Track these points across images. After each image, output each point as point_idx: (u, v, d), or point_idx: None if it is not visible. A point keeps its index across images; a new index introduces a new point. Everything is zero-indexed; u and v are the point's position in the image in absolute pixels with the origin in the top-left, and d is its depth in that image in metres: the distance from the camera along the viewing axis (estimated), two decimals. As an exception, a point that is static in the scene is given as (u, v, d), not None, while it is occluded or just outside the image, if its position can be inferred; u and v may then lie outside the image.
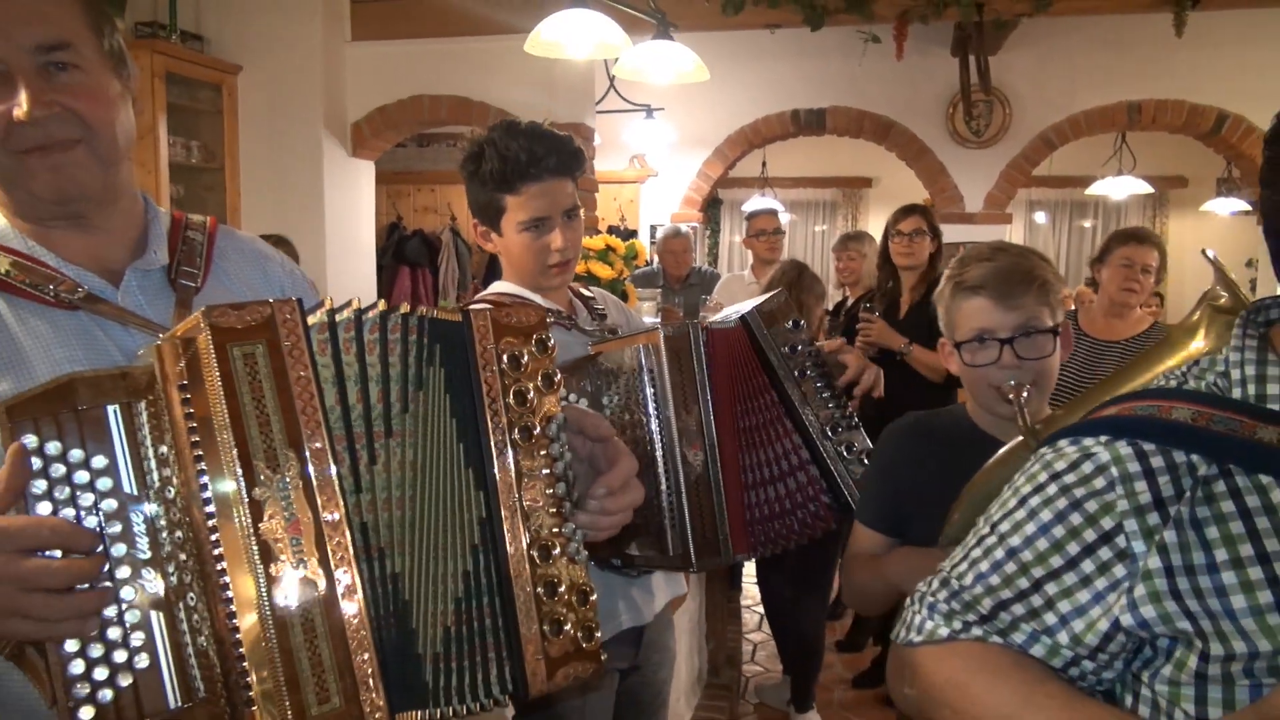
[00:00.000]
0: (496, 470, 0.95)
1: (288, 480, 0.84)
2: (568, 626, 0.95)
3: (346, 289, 4.79)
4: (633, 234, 7.00)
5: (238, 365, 0.83)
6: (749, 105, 6.39)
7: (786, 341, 1.64)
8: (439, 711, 0.92)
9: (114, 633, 0.85)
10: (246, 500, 0.82)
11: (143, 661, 0.86)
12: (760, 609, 4.02)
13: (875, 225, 6.78)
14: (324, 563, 0.84)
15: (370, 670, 0.85)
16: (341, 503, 0.86)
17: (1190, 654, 0.76)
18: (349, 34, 4.79)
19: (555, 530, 0.96)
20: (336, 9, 4.72)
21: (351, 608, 0.85)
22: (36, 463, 0.84)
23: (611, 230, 6.96)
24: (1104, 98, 5.97)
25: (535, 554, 0.95)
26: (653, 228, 6.48)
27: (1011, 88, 6.02)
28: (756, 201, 7.86)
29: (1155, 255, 3.12)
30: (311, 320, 0.88)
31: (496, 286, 1.77)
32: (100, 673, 0.84)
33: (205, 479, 0.82)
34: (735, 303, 3.89)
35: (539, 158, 1.61)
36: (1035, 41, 5.87)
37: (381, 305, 0.92)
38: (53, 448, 0.85)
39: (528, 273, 1.71)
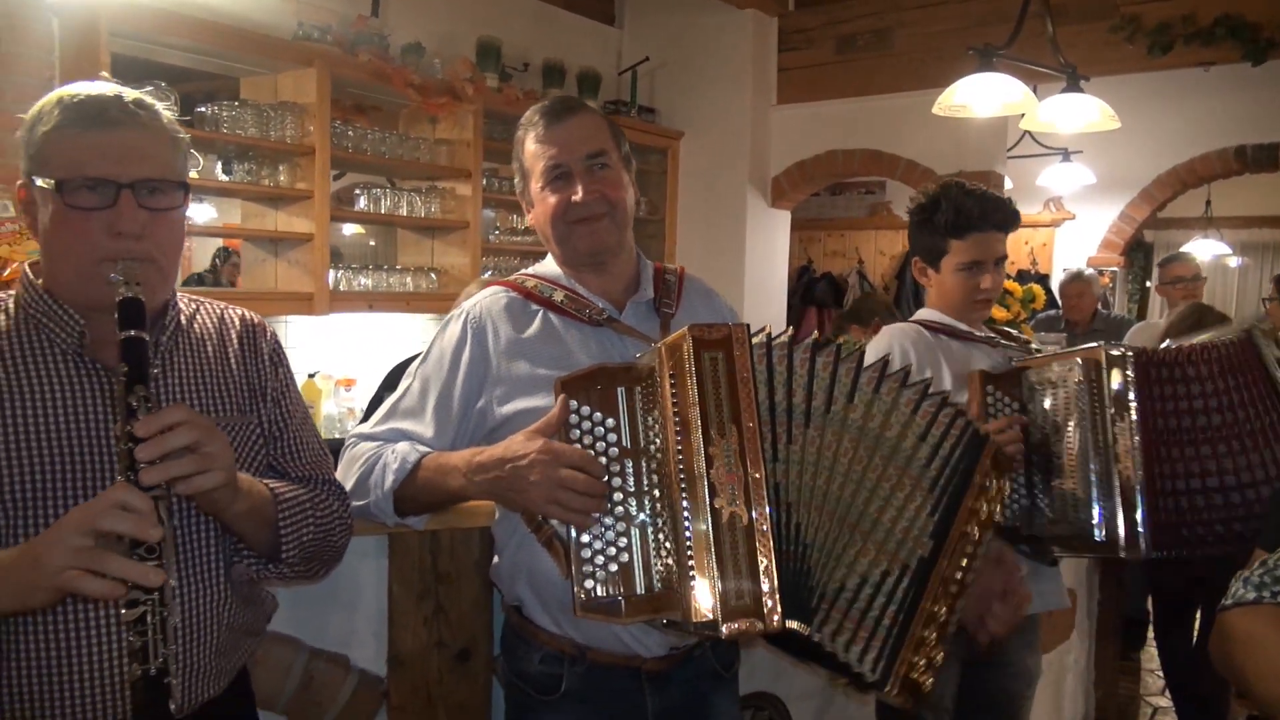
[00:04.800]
0: (951, 537, 1.35)
1: (729, 444, 1.23)
2: (921, 664, 1.32)
3: (758, 325, 5.33)
4: (1044, 278, 6.80)
5: (705, 365, 1.24)
6: (1181, 144, 5.95)
7: None
8: (815, 636, 1.25)
9: (609, 535, 1.28)
10: (704, 454, 1.21)
11: (625, 558, 1.28)
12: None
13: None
14: (748, 504, 1.21)
15: (770, 581, 1.19)
16: (762, 465, 1.22)
17: None
18: (775, 98, 5.37)
19: (951, 600, 1.35)
20: (765, 79, 5.33)
21: (763, 536, 1.20)
22: (574, 419, 1.31)
23: (1021, 275, 6.83)
24: None
25: (937, 608, 1.33)
26: (1065, 271, 6.27)
27: None
28: (1195, 245, 7.23)
29: None
30: (755, 340, 1.28)
31: (922, 314, 2.10)
32: (599, 560, 1.28)
33: (679, 437, 1.24)
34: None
35: (986, 214, 1.98)
36: None
37: (815, 336, 1.34)
38: (584, 410, 1.31)
39: (955, 307, 2.04)
